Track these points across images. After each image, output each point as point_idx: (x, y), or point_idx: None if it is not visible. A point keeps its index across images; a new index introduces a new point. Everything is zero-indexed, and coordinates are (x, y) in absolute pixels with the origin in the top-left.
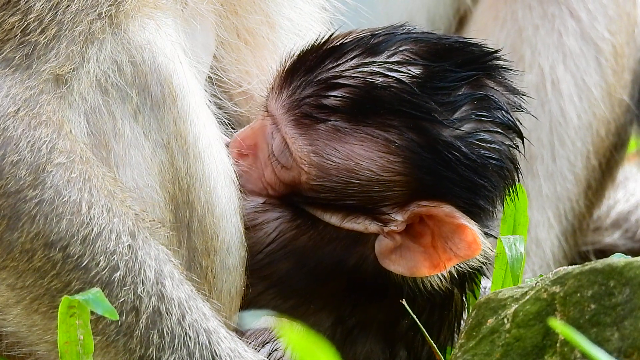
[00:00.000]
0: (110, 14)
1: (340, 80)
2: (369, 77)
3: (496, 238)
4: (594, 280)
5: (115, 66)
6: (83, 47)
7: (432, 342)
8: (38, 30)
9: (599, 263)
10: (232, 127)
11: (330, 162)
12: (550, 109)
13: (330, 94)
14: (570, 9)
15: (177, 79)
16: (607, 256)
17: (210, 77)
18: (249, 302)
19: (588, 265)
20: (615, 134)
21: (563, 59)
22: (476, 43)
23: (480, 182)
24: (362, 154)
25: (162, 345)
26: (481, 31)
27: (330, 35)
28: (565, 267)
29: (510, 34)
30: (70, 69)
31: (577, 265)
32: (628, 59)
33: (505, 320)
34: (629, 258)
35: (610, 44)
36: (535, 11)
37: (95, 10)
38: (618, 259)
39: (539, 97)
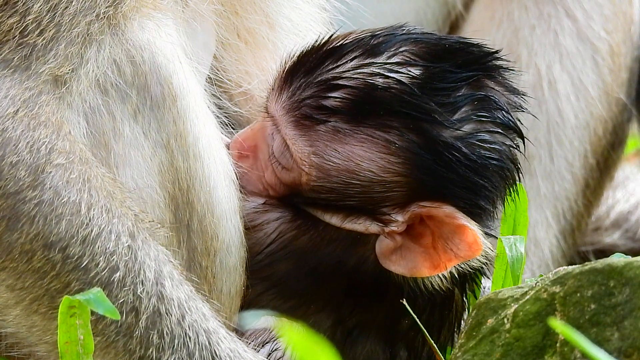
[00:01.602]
0: (109, 15)
1: (340, 82)
2: (369, 78)
3: (496, 238)
4: (594, 280)
5: (114, 66)
6: (82, 48)
7: (432, 342)
8: (36, 32)
9: (599, 263)
10: (232, 128)
11: (331, 163)
12: (548, 109)
13: (330, 95)
14: (566, 8)
15: (177, 79)
16: (607, 256)
17: (210, 78)
18: (249, 303)
19: (588, 265)
20: (612, 133)
21: (560, 59)
22: (476, 43)
23: (481, 183)
24: (362, 155)
25: (162, 346)
26: (477, 32)
27: (330, 36)
28: (565, 267)
29: (506, 35)
30: (69, 70)
31: (577, 265)
32: (625, 57)
33: (505, 320)
34: (629, 258)
35: (607, 43)
36: (531, 11)
37: (93, 12)
38: (618, 259)
39: (535, 97)
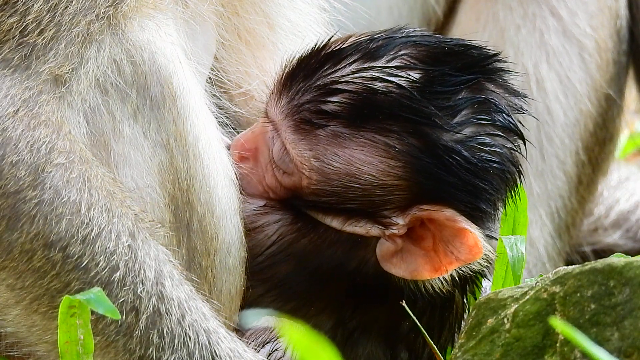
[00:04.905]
0: (109, 15)
1: (340, 86)
2: (369, 82)
3: (497, 240)
4: (594, 280)
5: (114, 66)
6: (82, 47)
7: (432, 344)
8: (36, 32)
9: (599, 263)
10: (232, 128)
11: (331, 167)
12: (537, 108)
13: (329, 99)
14: (551, 7)
15: (177, 79)
16: (607, 256)
17: (210, 78)
18: (249, 304)
19: (588, 265)
20: (603, 128)
21: (546, 58)
22: (476, 46)
23: (482, 186)
24: (362, 159)
25: (162, 346)
26: (464, 34)
27: (329, 40)
28: (565, 267)
29: (492, 35)
30: (69, 70)
31: (577, 265)
32: (612, 52)
33: (505, 320)
34: (629, 258)
35: (593, 40)
36: (516, 11)
37: (93, 12)
38: (618, 259)
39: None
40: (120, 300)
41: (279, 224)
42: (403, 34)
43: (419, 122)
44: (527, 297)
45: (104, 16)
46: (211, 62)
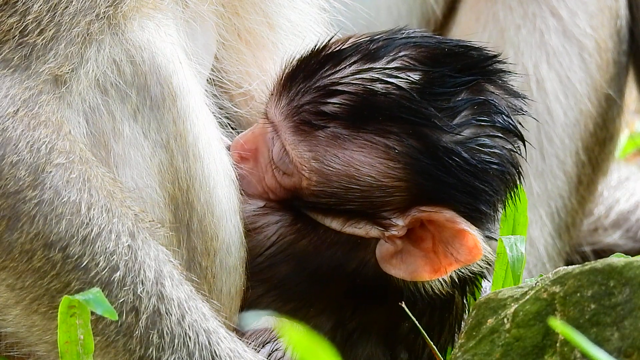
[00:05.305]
0: (109, 15)
1: (339, 87)
2: (368, 83)
3: (496, 240)
4: (594, 280)
5: (114, 66)
6: (82, 47)
7: (432, 345)
8: (36, 32)
9: (599, 263)
10: (232, 128)
11: (331, 168)
12: (537, 108)
13: (329, 100)
14: (551, 7)
15: (177, 79)
16: (607, 256)
17: (210, 78)
18: (249, 305)
19: (588, 265)
20: (603, 128)
21: (546, 58)
22: (476, 47)
23: (481, 187)
24: (362, 160)
25: (162, 346)
26: (464, 34)
27: (329, 41)
28: (565, 267)
29: (492, 35)
30: (69, 70)
31: (577, 265)
32: (612, 52)
33: (505, 320)
34: (629, 258)
35: (593, 40)
36: (516, 11)
37: (93, 12)
38: (618, 259)
39: None
40: (120, 301)
41: (278, 224)
42: (403, 35)
43: (419, 124)
44: (527, 297)
45: (104, 16)
46: (211, 62)
